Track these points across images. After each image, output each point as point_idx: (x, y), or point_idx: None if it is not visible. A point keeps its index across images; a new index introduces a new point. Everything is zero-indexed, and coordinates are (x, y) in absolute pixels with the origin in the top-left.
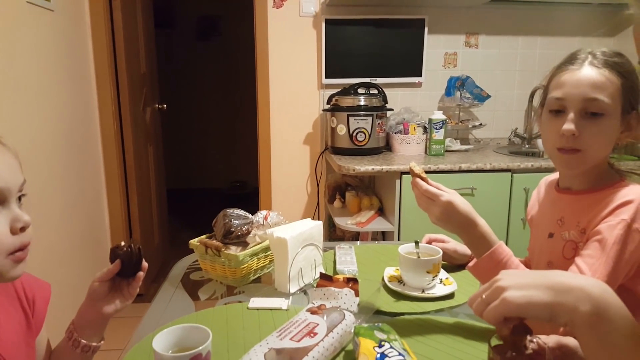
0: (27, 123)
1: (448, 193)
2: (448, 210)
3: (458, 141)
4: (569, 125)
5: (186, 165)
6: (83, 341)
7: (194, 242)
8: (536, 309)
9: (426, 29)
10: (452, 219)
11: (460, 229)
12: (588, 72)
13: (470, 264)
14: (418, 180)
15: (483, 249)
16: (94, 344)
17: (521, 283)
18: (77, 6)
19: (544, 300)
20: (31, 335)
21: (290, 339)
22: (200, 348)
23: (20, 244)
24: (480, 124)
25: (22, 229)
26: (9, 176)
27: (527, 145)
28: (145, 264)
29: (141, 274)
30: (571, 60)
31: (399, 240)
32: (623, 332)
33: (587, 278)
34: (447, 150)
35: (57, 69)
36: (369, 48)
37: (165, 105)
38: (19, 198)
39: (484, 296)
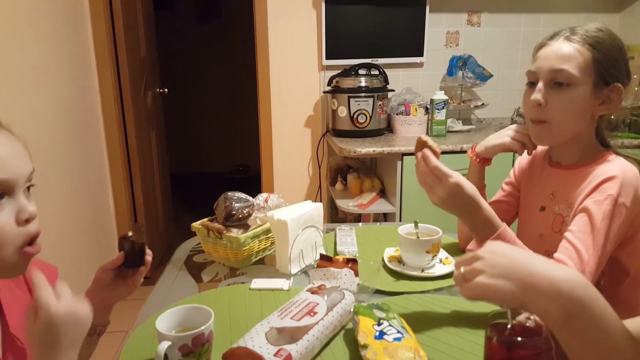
0: (28, 110)
1: (456, 174)
2: (455, 192)
3: (460, 121)
4: (535, 95)
5: (189, 149)
6: None
7: (196, 225)
8: (505, 300)
9: (427, 8)
10: (457, 202)
11: (465, 212)
12: (559, 45)
13: (472, 247)
14: (429, 153)
15: (487, 233)
16: (100, 327)
17: (496, 270)
18: None
19: (513, 294)
20: None
21: (291, 318)
22: (203, 328)
23: (25, 235)
24: (483, 104)
25: (28, 220)
26: (17, 166)
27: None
28: (148, 259)
29: (143, 268)
30: (552, 36)
31: (400, 221)
32: (601, 326)
33: (558, 269)
34: (449, 131)
35: (57, 55)
36: (370, 28)
37: (166, 90)
38: (28, 188)
39: (462, 269)
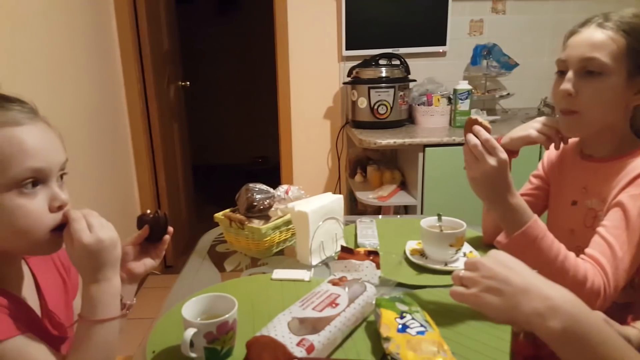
0: (58, 104)
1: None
2: (502, 169)
3: (484, 112)
4: (565, 85)
5: (209, 141)
6: None
7: (219, 215)
8: (494, 315)
9: None
10: (500, 181)
11: (501, 195)
12: (590, 33)
13: (502, 239)
14: (479, 129)
15: (518, 222)
16: (128, 302)
17: (490, 283)
18: None
19: (501, 311)
20: (68, 298)
21: (313, 309)
22: (227, 316)
23: (54, 221)
24: (508, 94)
25: (60, 207)
26: (52, 156)
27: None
28: (170, 229)
29: (167, 237)
30: (583, 23)
31: (422, 214)
32: (598, 343)
33: (553, 287)
34: None
35: (85, 50)
36: (391, 17)
37: (188, 83)
38: (61, 176)
39: (461, 274)
